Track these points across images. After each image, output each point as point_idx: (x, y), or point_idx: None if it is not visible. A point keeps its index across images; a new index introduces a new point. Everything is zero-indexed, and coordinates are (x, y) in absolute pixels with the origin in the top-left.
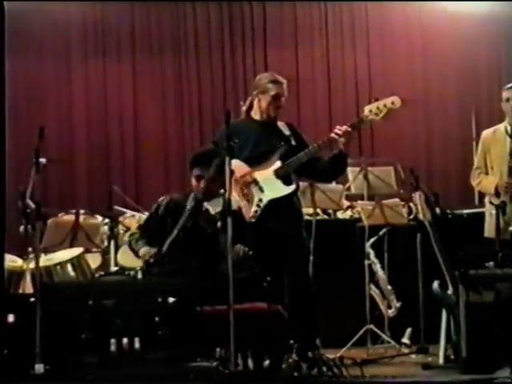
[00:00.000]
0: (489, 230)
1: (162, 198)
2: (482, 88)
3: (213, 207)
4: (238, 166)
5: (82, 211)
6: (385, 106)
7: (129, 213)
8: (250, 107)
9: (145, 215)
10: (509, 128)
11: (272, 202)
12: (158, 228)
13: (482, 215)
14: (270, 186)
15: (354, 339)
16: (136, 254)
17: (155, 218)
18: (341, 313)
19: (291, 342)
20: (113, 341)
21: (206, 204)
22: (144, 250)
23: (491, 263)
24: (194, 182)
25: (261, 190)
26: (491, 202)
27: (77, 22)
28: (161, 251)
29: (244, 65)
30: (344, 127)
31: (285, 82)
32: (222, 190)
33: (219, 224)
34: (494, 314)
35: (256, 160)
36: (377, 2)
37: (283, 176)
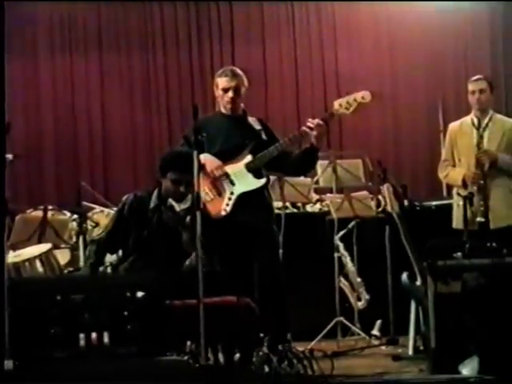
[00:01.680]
0: (457, 222)
1: (126, 197)
2: (449, 81)
3: (178, 204)
4: (208, 159)
5: (50, 207)
6: (355, 100)
7: (97, 208)
8: None
9: (113, 210)
10: (475, 120)
11: (243, 195)
12: (124, 229)
13: (450, 207)
14: (241, 179)
15: (324, 332)
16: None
17: (120, 219)
18: (311, 305)
19: (261, 335)
20: (82, 335)
21: (170, 200)
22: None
23: (459, 254)
24: (169, 184)
25: (232, 183)
26: (459, 194)
27: (43, 18)
28: None
29: (211, 61)
30: (316, 120)
31: (238, 74)
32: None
33: (188, 219)
34: (461, 304)
35: (227, 154)
36: (343, 1)
37: (254, 169)
